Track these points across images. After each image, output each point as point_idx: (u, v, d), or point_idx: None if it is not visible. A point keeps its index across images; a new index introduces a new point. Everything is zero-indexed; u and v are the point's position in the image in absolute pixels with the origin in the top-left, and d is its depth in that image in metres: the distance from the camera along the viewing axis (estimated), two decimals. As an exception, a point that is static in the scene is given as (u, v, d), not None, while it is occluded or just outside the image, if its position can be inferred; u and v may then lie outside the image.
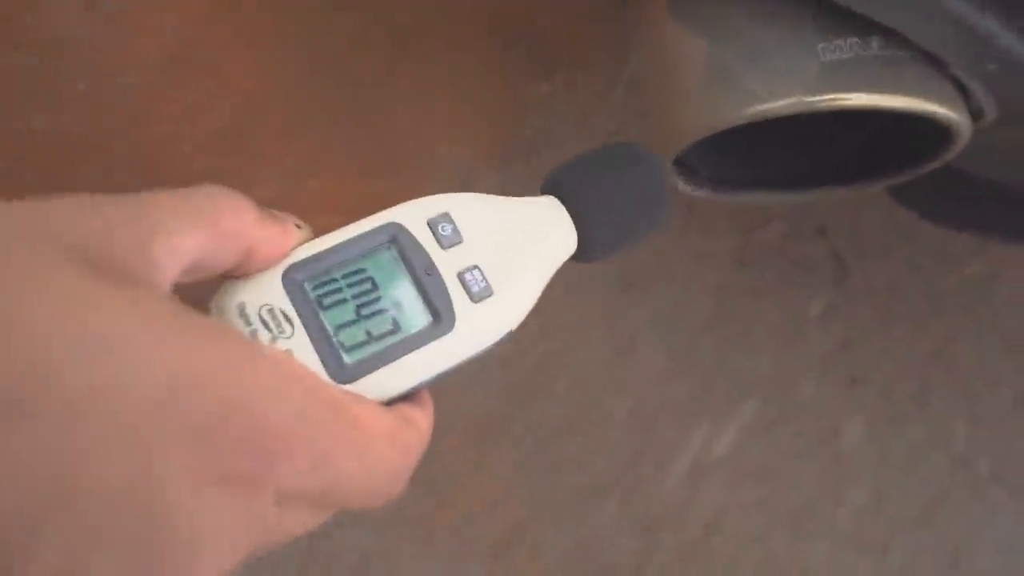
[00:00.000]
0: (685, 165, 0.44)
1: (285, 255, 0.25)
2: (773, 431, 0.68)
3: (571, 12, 0.68)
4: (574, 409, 0.65)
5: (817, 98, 0.34)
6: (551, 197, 0.29)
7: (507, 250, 0.27)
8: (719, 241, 0.69)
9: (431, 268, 0.26)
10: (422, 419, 0.25)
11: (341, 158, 0.65)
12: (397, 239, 0.26)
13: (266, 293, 0.24)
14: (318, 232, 0.26)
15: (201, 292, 0.25)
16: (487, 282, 0.26)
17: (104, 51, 0.61)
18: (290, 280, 0.25)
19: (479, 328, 0.26)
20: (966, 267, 0.72)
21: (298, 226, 0.26)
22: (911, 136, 0.41)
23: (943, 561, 0.67)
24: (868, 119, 0.39)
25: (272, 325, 0.24)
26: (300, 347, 0.24)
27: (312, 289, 0.25)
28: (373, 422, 0.22)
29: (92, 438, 0.18)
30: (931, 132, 0.38)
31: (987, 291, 0.72)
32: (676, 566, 0.64)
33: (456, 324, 0.26)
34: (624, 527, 0.64)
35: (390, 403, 0.25)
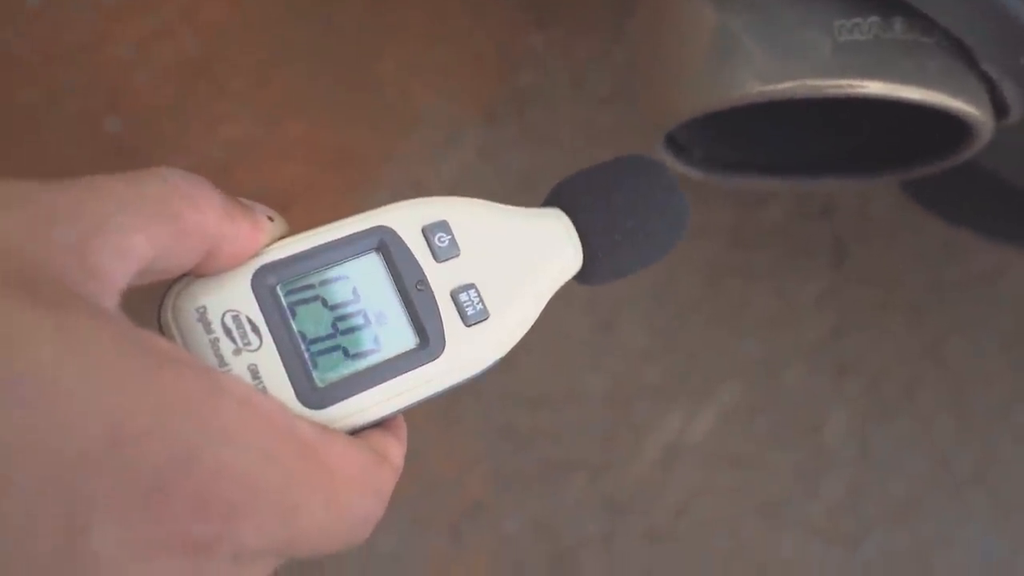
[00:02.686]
0: (676, 142, 0.40)
1: (254, 254, 0.22)
2: (753, 418, 0.65)
3: (573, -41, 0.63)
4: (547, 383, 0.63)
5: (827, 82, 0.30)
6: (558, 210, 0.26)
7: (507, 268, 0.24)
8: (715, 216, 0.65)
9: (422, 283, 0.23)
10: (396, 451, 0.22)
11: (318, 102, 0.61)
12: (386, 245, 0.23)
13: (232, 297, 0.21)
14: (294, 223, 0.23)
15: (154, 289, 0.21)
16: (483, 304, 0.24)
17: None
18: (261, 283, 0.22)
19: (469, 355, 0.23)
20: (973, 260, 0.68)
21: (270, 219, 0.22)
22: (926, 128, 0.37)
23: (913, 560, 0.66)
24: (882, 107, 0.35)
25: (236, 335, 0.21)
26: (267, 362, 0.21)
27: (285, 295, 0.22)
28: (346, 465, 0.20)
29: (9, 504, 0.15)
30: (949, 127, 0.35)
31: (991, 286, 0.69)
32: (641, 550, 0.62)
33: (445, 350, 0.23)
34: (590, 507, 0.62)
35: (362, 429, 0.22)
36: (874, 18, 0.30)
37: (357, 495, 0.20)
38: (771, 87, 0.31)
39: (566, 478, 0.62)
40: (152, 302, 0.21)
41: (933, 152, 0.37)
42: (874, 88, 0.30)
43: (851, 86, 0.30)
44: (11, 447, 0.14)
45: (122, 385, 0.16)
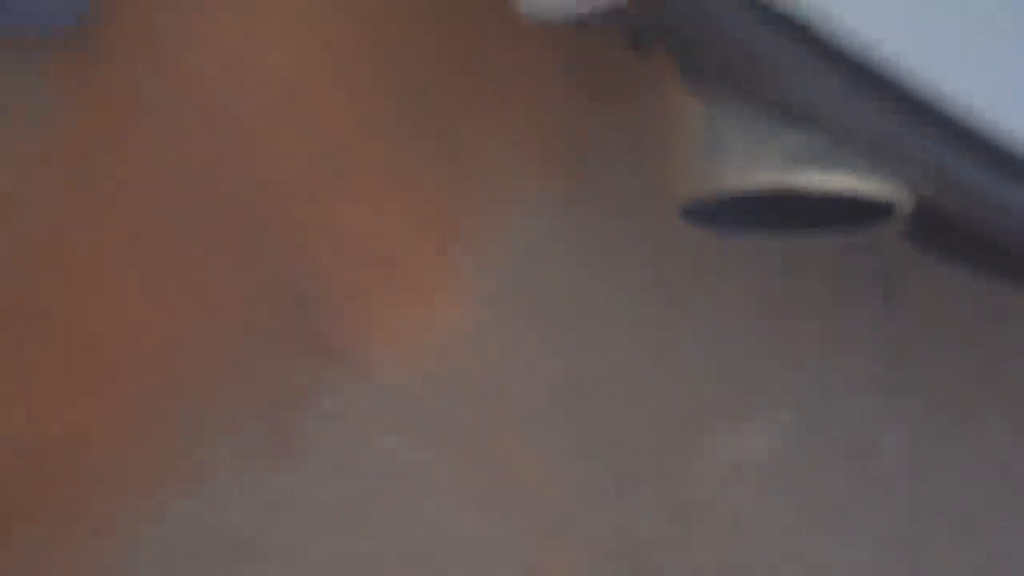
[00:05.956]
0: (692, 213, 0.50)
1: None
2: (805, 441, 0.69)
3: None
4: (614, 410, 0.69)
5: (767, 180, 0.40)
6: None
7: None
8: (763, 245, 0.69)
9: None
10: None
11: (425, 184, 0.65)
12: None
13: None
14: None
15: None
16: None
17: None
18: None
19: None
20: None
21: None
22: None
23: (975, 573, 0.67)
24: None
25: None
26: None
27: None
28: None
29: None
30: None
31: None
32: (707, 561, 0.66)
33: None
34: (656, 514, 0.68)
35: None
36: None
37: None
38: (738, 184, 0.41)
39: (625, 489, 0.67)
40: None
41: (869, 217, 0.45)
42: (804, 182, 0.39)
43: (783, 183, 0.40)
44: None
45: None
